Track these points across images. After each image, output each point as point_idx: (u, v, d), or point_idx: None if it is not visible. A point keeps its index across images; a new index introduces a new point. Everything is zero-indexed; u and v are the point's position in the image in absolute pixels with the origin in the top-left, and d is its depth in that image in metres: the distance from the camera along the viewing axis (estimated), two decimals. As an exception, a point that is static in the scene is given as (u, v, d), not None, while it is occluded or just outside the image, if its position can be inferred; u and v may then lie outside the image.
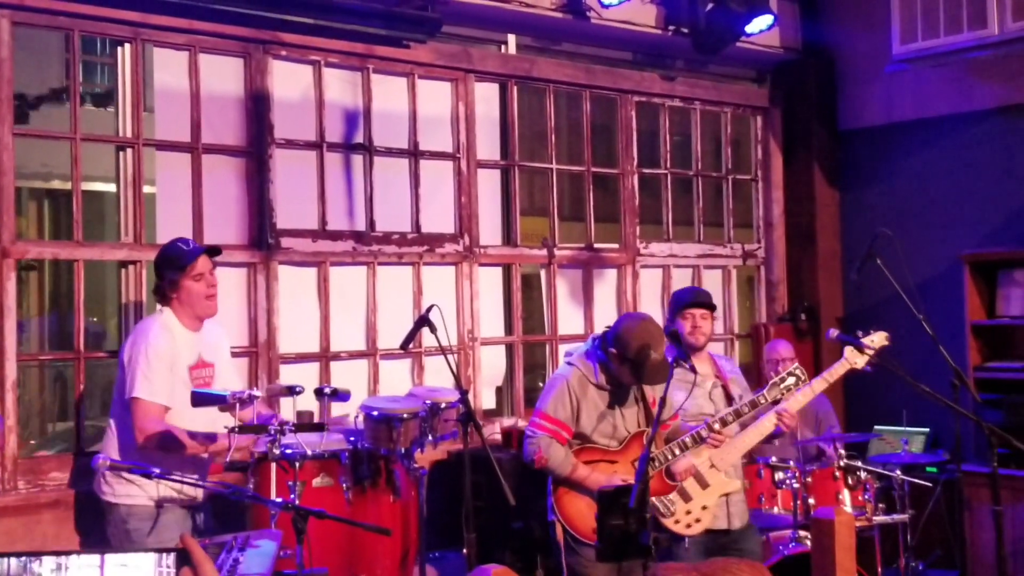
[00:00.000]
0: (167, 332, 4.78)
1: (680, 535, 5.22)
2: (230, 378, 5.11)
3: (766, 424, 5.41)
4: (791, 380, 5.33)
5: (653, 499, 5.15)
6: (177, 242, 5.01)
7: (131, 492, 4.70)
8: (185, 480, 4.36)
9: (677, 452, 5.12)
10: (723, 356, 5.56)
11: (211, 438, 4.70)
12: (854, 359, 5.39)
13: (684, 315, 5.47)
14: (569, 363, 5.20)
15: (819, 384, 5.47)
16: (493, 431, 6.71)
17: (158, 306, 4.94)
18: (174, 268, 4.82)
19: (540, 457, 4.99)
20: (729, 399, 5.48)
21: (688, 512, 5.24)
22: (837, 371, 5.45)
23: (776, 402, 5.36)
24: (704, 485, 5.28)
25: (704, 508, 5.27)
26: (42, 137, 6.41)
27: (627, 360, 4.93)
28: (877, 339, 5.43)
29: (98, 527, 4.86)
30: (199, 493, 4.79)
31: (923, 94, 7.88)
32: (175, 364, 4.75)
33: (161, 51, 5.90)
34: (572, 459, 5.01)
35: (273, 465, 4.63)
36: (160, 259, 4.92)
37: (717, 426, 5.18)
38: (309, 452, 4.69)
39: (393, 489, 5.02)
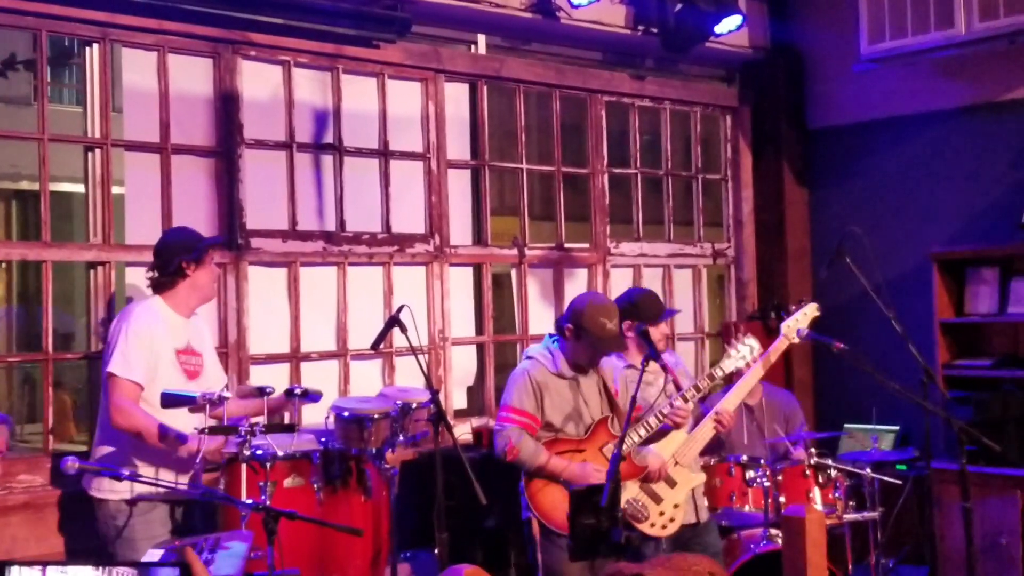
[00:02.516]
0: (151, 314, 4.81)
1: (656, 537, 5.25)
2: (219, 372, 5.19)
3: (707, 429, 5.51)
4: (745, 350, 5.41)
5: (626, 505, 5.19)
6: (186, 229, 5.11)
7: (115, 488, 4.67)
8: (154, 482, 4.33)
9: (643, 432, 5.14)
10: (667, 350, 5.66)
11: (182, 438, 4.67)
12: (791, 335, 5.53)
13: (655, 327, 5.46)
14: (528, 357, 5.26)
15: (759, 369, 5.59)
16: (464, 431, 6.70)
17: (149, 292, 4.96)
18: (189, 253, 4.86)
19: (511, 448, 5.00)
20: (680, 390, 5.51)
21: (661, 513, 5.28)
22: (776, 350, 5.59)
23: (733, 375, 5.46)
24: (672, 484, 5.32)
25: (676, 506, 5.31)
26: (10, 137, 6.35)
27: (582, 330, 5.00)
28: (809, 310, 5.62)
29: (81, 525, 4.83)
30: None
31: (891, 93, 7.93)
32: (157, 344, 4.77)
33: (130, 51, 5.86)
34: (544, 449, 5.02)
35: (243, 466, 4.61)
36: (172, 245, 4.93)
37: (679, 402, 5.21)
38: (280, 453, 4.67)
39: (364, 489, 5.00)
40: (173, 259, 4.87)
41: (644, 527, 5.23)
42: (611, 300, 5.26)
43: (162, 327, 4.82)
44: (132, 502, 4.69)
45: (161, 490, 4.65)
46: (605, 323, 5.00)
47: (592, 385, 5.21)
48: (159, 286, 4.92)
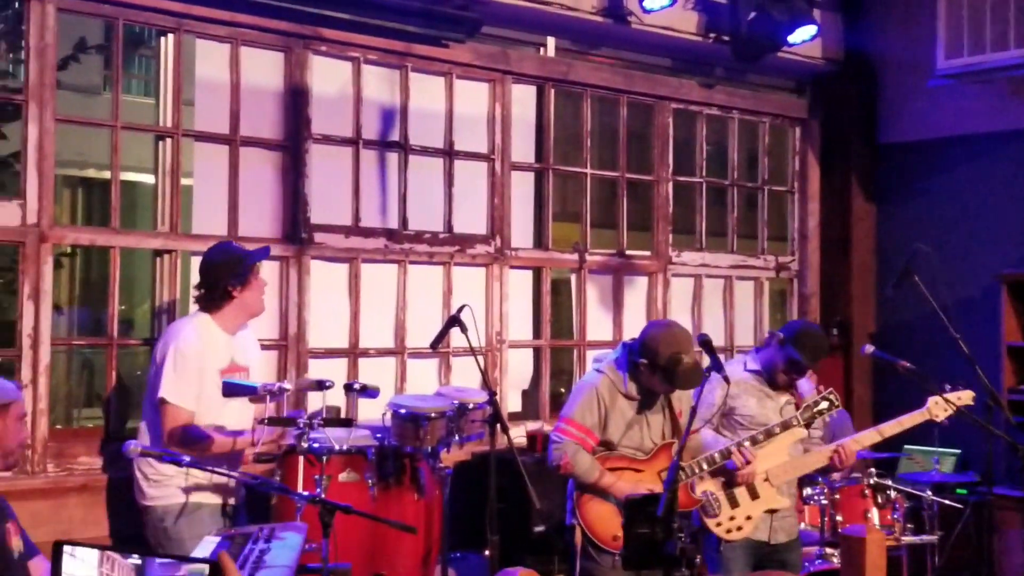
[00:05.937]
0: (200, 335, 4.77)
1: (718, 538, 5.19)
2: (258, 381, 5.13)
3: (820, 456, 5.34)
4: (824, 404, 5.26)
5: (701, 495, 5.15)
6: (230, 248, 5.02)
7: (167, 493, 4.69)
8: (214, 470, 4.35)
9: (705, 467, 5.07)
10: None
11: (237, 434, 4.71)
12: (936, 412, 5.28)
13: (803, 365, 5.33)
14: (598, 370, 5.15)
15: (889, 428, 5.35)
16: (518, 434, 6.67)
17: (195, 308, 4.93)
18: (235, 276, 4.81)
19: (566, 463, 4.95)
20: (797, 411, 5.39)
21: (732, 518, 5.21)
22: (913, 419, 5.32)
23: (808, 424, 5.28)
24: (754, 496, 5.23)
25: (748, 518, 5.22)
26: (83, 124, 6.41)
27: (658, 368, 4.89)
28: (964, 396, 5.33)
29: (131, 521, 4.88)
30: (232, 491, 4.81)
31: (965, 110, 7.80)
32: (205, 367, 4.73)
33: (203, 43, 5.91)
34: (598, 466, 4.97)
35: (300, 458, 4.63)
36: (217, 267, 4.85)
37: (748, 444, 5.12)
38: (336, 447, 4.69)
39: (417, 487, 5.01)
40: (219, 282, 4.81)
41: (710, 523, 5.18)
42: (683, 328, 5.07)
43: (210, 348, 4.78)
44: (181, 505, 4.69)
45: (210, 492, 4.70)
46: (682, 358, 4.88)
47: (657, 408, 5.13)
48: (207, 305, 4.86)
